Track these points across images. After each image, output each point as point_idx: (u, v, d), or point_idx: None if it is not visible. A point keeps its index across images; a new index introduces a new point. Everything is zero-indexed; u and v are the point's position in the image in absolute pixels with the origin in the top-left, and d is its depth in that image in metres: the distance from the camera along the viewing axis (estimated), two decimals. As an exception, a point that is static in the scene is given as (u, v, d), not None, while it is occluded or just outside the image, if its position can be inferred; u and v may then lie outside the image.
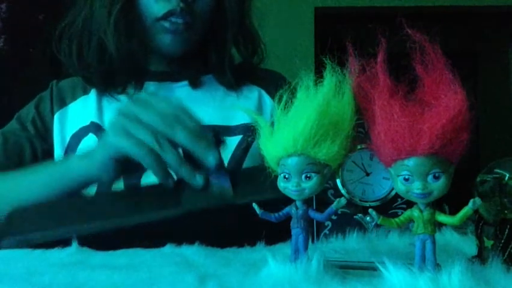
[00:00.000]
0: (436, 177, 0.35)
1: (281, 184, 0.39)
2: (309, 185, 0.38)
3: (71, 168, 0.67)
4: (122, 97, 0.87)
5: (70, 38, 0.87)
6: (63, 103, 0.91)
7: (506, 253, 0.40)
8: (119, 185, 0.69)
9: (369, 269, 0.38)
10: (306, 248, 0.39)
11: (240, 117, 0.86)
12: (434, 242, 0.36)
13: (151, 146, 0.57)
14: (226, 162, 0.77)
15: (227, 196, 0.55)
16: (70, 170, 0.67)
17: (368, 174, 0.44)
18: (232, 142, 0.82)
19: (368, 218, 0.44)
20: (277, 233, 0.44)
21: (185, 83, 0.90)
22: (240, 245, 0.50)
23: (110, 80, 0.86)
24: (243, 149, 0.81)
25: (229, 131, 0.85)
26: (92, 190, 0.70)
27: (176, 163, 0.57)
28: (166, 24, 0.81)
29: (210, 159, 0.57)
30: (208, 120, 0.85)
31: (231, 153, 0.81)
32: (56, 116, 0.89)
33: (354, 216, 0.44)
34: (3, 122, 0.92)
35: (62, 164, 0.72)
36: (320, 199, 0.43)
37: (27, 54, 2.48)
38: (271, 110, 0.90)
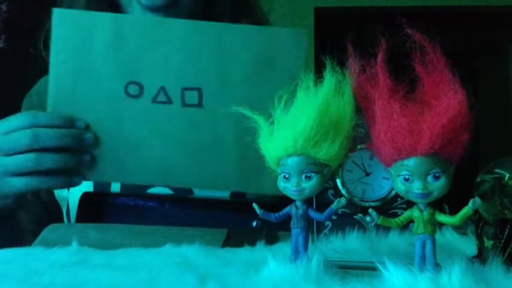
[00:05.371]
0: (436, 177, 0.35)
1: (281, 184, 0.39)
2: (309, 185, 0.38)
3: None
4: None
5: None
6: None
7: (506, 253, 0.40)
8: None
9: (369, 269, 0.38)
10: (306, 248, 0.39)
11: None
12: (434, 242, 0.36)
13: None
14: None
15: None
16: None
17: (368, 174, 0.44)
18: None
19: (368, 218, 0.44)
20: None
21: None
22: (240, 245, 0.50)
23: None
24: None
25: None
26: None
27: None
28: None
29: None
30: None
31: None
32: None
33: (354, 216, 0.44)
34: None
35: None
36: (320, 199, 0.43)
37: (27, 54, 2.48)
38: None
